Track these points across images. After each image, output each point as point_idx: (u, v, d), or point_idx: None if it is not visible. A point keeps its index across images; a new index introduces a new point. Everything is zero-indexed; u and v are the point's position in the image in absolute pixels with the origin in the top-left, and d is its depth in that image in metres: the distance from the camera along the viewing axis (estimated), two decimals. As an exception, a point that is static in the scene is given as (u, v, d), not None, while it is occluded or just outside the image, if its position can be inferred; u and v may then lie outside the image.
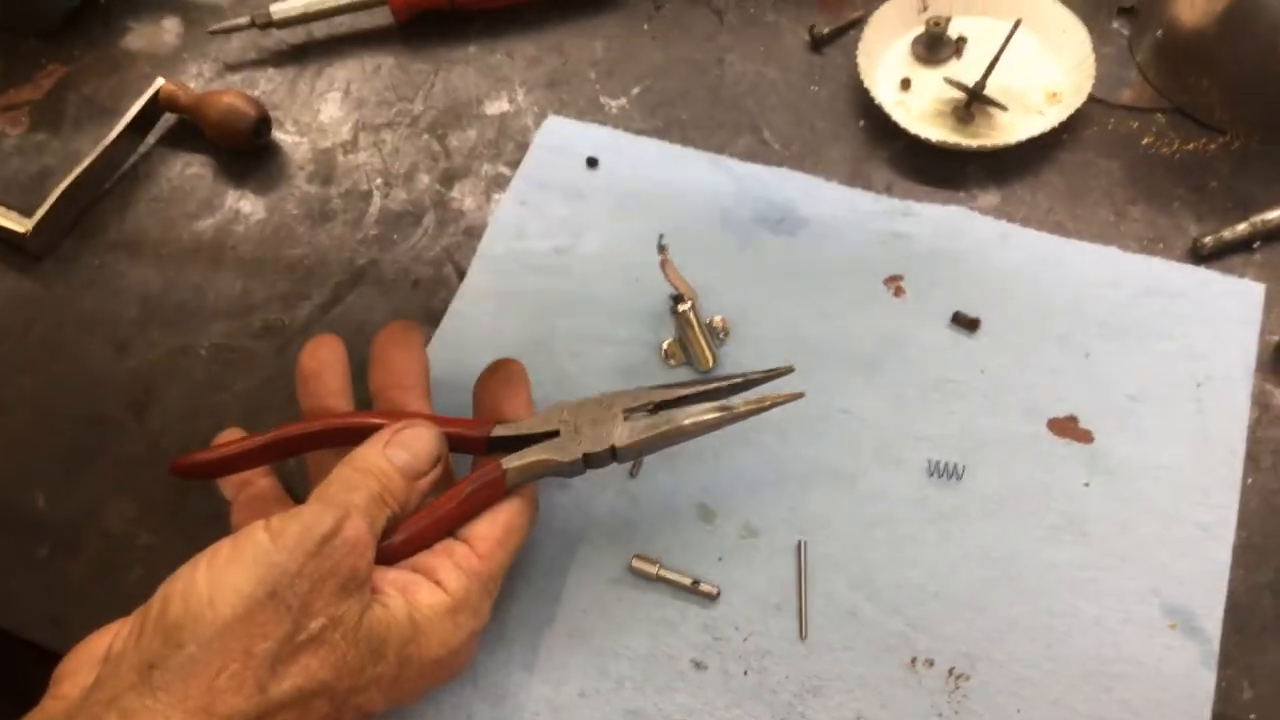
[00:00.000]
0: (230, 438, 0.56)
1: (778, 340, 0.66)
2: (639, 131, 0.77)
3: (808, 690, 0.55)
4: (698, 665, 0.56)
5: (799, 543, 0.59)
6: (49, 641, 0.60)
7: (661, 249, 0.64)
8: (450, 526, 0.51)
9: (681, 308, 0.64)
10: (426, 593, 0.48)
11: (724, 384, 0.56)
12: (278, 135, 0.80)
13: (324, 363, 0.57)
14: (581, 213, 0.73)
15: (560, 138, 0.77)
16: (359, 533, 0.46)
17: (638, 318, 0.68)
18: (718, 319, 0.66)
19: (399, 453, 0.50)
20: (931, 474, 0.61)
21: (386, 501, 0.49)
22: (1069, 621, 0.56)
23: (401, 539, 0.50)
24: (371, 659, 0.45)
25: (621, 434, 0.53)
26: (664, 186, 0.74)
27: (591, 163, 0.75)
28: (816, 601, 0.57)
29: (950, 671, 0.55)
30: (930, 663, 0.56)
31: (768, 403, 0.54)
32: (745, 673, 0.56)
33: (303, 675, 0.43)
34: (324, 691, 0.44)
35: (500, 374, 0.57)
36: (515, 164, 0.76)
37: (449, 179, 0.77)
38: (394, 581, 0.48)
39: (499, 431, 0.54)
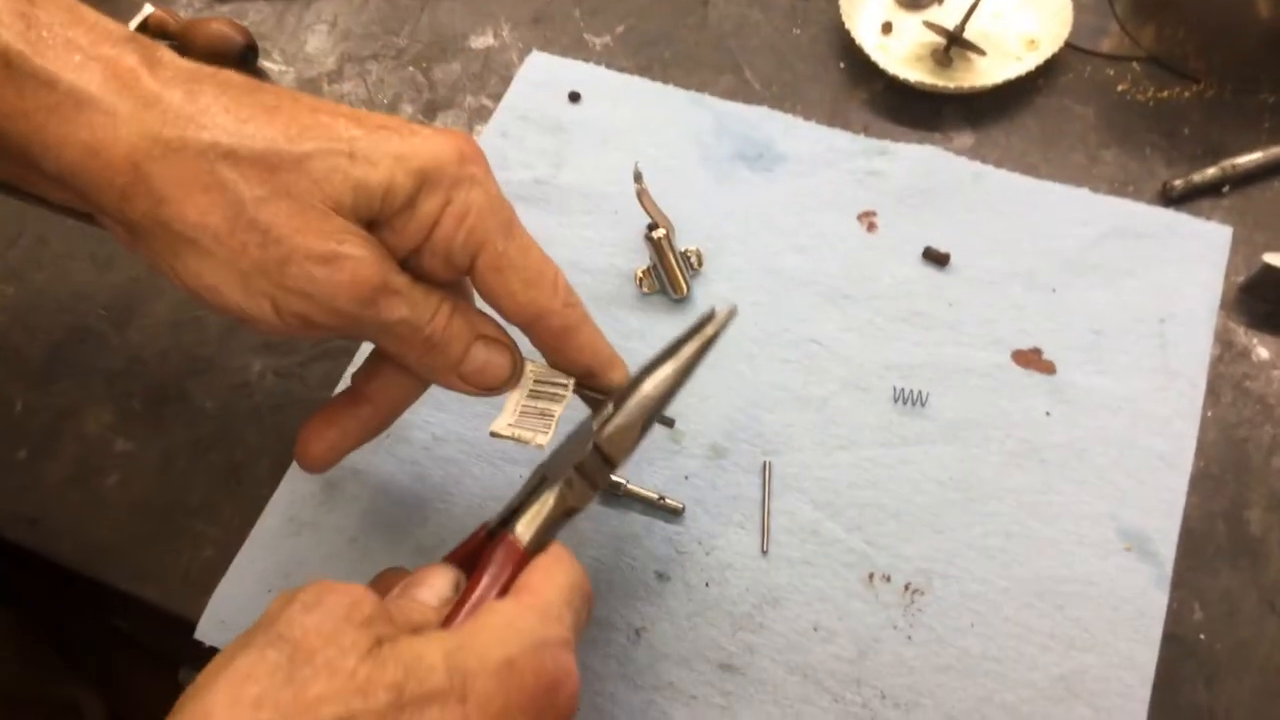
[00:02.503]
0: None
1: (751, 271, 0.67)
2: (621, 69, 0.78)
3: (767, 601, 0.56)
4: (661, 576, 0.57)
5: (764, 463, 0.60)
6: (25, 541, 0.61)
7: (638, 178, 0.65)
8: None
9: (656, 235, 0.65)
10: (465, 615, 0.43)
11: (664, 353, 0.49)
12: (264, 64, 0.80)
13: None
14: (562, 145, 0.74)
15: (543, 73, 0.78)
16: (350, 589, 0.40)
17: (614, 247, 0.69)
18: (691, 248, 0.67)
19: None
20: (896, 401, 0.62)
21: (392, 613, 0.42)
22: (1025, 542, 0.57)
23: None
24: (412, 678, 0.39)
25: (601, 434, 0.47)
26: (644, 122, 0.74)
27: (574, 97, 0.76)
28: (779, 519, 0.59)
29: (907, 587, 0.56)
30: (888, 578, 0.57)
31: (710, 333, 0.48)
32: (707, 584, 0.57)
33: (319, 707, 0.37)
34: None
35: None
36: (498, 97, 0.77)
37: (432, 109, 0.77)
38: None
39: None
